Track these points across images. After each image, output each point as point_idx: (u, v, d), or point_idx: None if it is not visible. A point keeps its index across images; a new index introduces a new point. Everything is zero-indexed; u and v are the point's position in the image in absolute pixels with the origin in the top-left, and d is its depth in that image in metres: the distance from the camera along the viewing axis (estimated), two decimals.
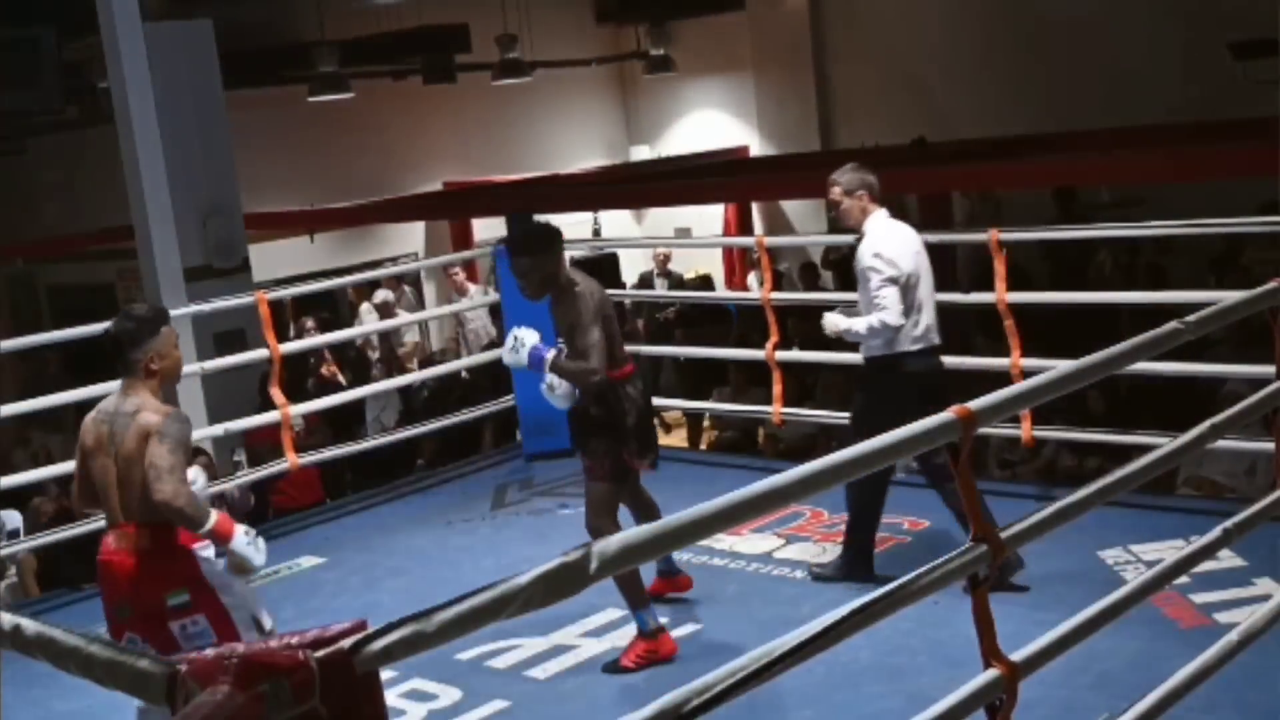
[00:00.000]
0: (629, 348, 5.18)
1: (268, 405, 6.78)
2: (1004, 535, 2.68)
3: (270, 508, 7.33)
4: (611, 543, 2.10)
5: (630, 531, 2.15)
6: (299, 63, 12.17)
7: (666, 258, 12.17)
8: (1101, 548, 5.15)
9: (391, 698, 4.37)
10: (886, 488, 5.16)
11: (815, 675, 3.69)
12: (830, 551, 5.57)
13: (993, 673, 2.65)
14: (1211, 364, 6.13)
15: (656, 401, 10.11)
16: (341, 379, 9.22)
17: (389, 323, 10.47)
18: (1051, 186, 10.96)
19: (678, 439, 10.55)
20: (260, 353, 6.69)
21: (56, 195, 12.64)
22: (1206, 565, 3.92)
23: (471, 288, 11.38)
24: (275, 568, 6.03)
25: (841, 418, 7.14)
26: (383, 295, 11.49)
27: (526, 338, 4.80)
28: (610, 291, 10.89)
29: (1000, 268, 5.91)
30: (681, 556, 5.30)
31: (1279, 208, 8.56)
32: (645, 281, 12.26)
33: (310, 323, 10.11)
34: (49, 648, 1.96)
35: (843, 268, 11.75)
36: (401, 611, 1.90)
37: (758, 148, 14.72)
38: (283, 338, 7.64)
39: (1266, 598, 3.99)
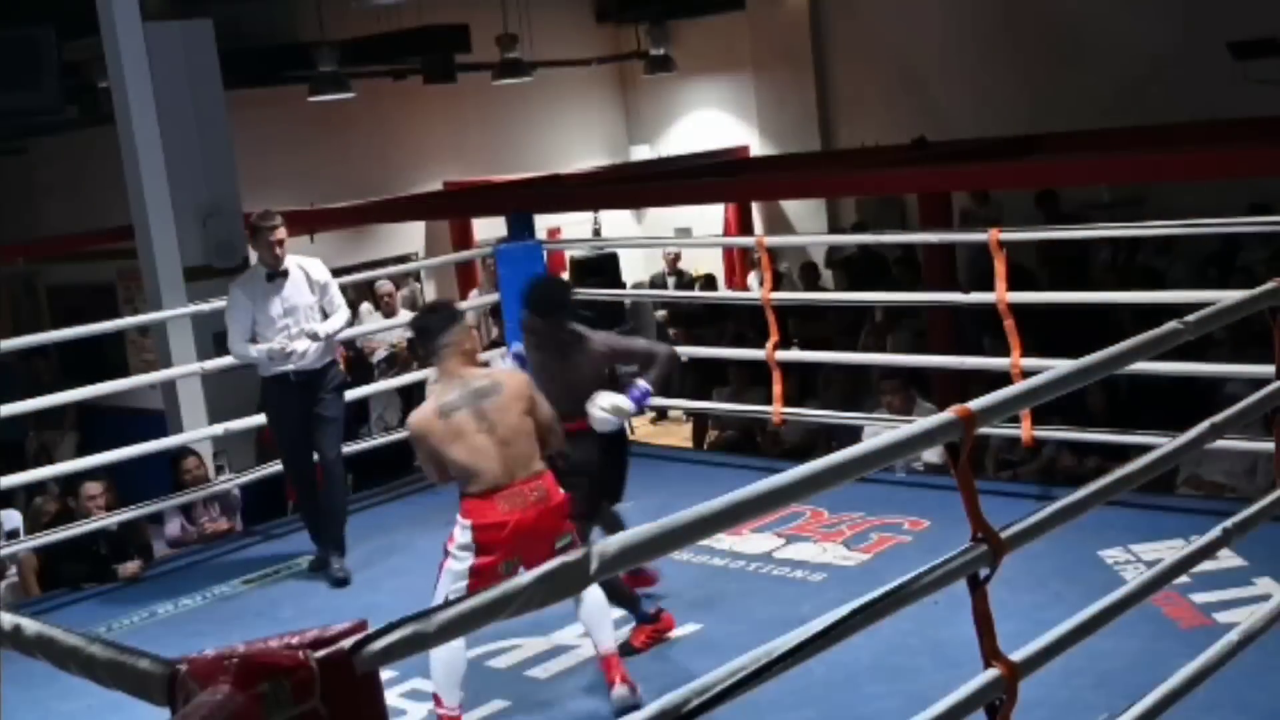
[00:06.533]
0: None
1: None
2: (1004, 535, 2.68)
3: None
4: (612, 543, 2.10)
5: (631, 531, 2.15)
6: (299, 63, 12.16)
7: (677, 257, 12.18)
8: (1101, 548, 5.15)
9: (391, 698, 4.37)
10: None
11: (815, 675, 3.68)
12: (830, 551, 5.58)
13: (993, 673, 2.65)
14: (1211, 364, 6.13)
15: (659, 401, 10.19)
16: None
17: (389, 322, 10.44)
18: (1045, 187, 10.97)
19: (680, 439, 10.56)
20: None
21: (57, 195, 12.63)
22: (1206, 565, 3.92)
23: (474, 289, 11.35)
24: (275, 568, 6.04)
25: (842, 417, 7.18)
26: (386, 287, 11.37)
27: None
28: (610, 292, 10.92)
29: (1000, 268, 5.91)
30: (681, 556, 5.30)
31: (1270, 208, 8.61)
32: (657, 282, 12.27)
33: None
34: (49, 648, 1.96)
35: (847, 268, 11.76)
36: (401, 611, 1.91)
37: (758, 148, 14.71)
38: None
39: (1266, 597, 4.00)
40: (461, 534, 4.17)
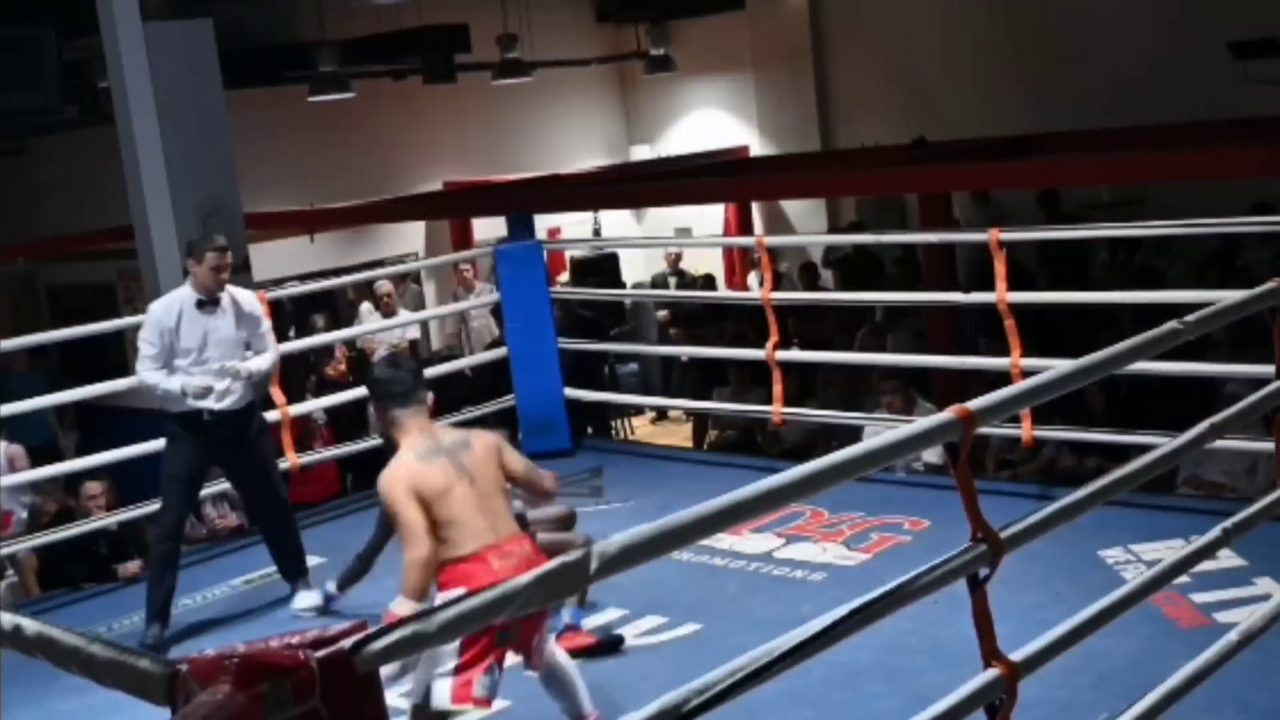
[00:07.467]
0: (629, 347, 5.24)
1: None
2: (1004, 535, 2.68)
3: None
4: (612, 543, 2.10)
5: (631, 531, 2.15)
6: (299, 63, 12.16)
7: (678, 257, 12.18)
8: (1101, 548, 5.15)
9: (391, 698, 4.36)
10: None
11: (815, 675, 3.68)
12: (830, 551, 5.58)
13: (993, 673, 2.65)
14: (1211, 364, 6.13)
15: (661, 400, 10.24)
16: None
17: (389, 322, 10.45)
18: (1045, 187, 10.97)
19: (680, 439, 10.57)
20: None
21: (57, 195, 12.63)
22: (1206, 565, 3.92)
23: (476, 284, 11.36)
24: (276, 568, 6.03)
25: (842, 417, 7.18)
26: (385, 287, 11.38)
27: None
28: (610, 292, 10.88)
29: (1000, 268, 5.91)
30: (682, 556, 5.30)
31: (1272, 207, 8.61)
32: (658, 282, 12.28)
33: (320, 320, 10.12)
34: (49, 648, 1.96)
35: (844, 267, 11.77)
36: None
37: (758, 148, 14.71)
38: (283, 337, 7.65)
39: (1266, 597, 4.00)
40: None
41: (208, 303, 5.44)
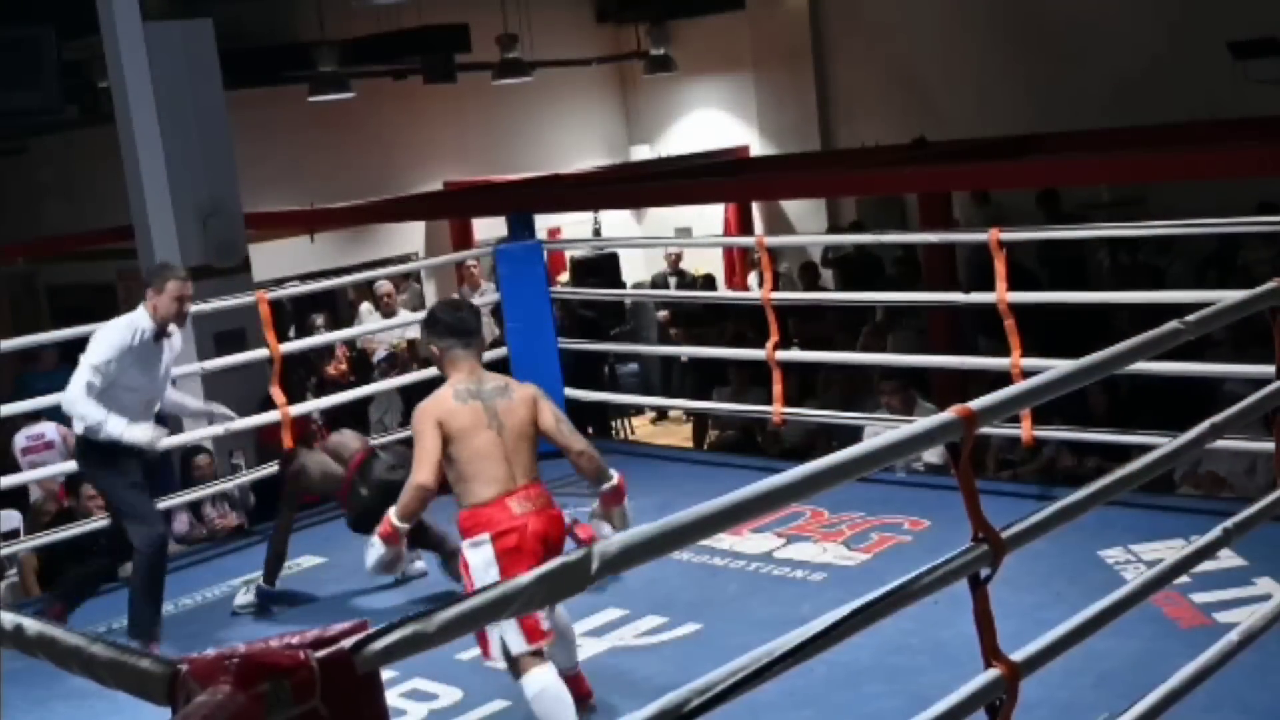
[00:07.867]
0: (629, 347, 5.23)
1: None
2: (1004, 535, 2.68)
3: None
4: (612, 543, 2.10)
5: (632, 531, 2.15)
6: (299, 63, 12.18)
7: (678, 257, 12.18)
8: (1101, 548, 5.15)
9: (392, 698, 4.36)
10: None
11: (815, 675, 3.68)
12: (830, 551, 5.58)
13: (993, 673, 2.65)
14: (1212, 364, 6.13)
15: (661, 400, 10.23)
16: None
17: (389, 322, 10.45)
18: (1045, 187, 10.98)
19: (680, 439, 10.57)
20: (260, 353, 6.70)
21: (57, 195, 12.64)
22: (1206, 565, 3.92)
23: (482, 282, 11.36)
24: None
25: (842, 417, 7.18)
26: (385, 287, 11.38)
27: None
28: (610, 292, 10.87)
29: (1001, 268, 5.91)
30: (682, 556, 5.30)
31: (1276, 207, 8.61)
32: (658, 282, 12.28)
33: (320, 320, 10.10)
34: (50, 648, 1.96)
35: (843, 267, 11.78)
36: (401, 611, 1.91)
37: (758, 148, 14.72)
38: (283, 337, 7.65)
39: (1266, 597, 4.00)
40: (477, 553, 3.92)
41: (160, 334, 5.20)
